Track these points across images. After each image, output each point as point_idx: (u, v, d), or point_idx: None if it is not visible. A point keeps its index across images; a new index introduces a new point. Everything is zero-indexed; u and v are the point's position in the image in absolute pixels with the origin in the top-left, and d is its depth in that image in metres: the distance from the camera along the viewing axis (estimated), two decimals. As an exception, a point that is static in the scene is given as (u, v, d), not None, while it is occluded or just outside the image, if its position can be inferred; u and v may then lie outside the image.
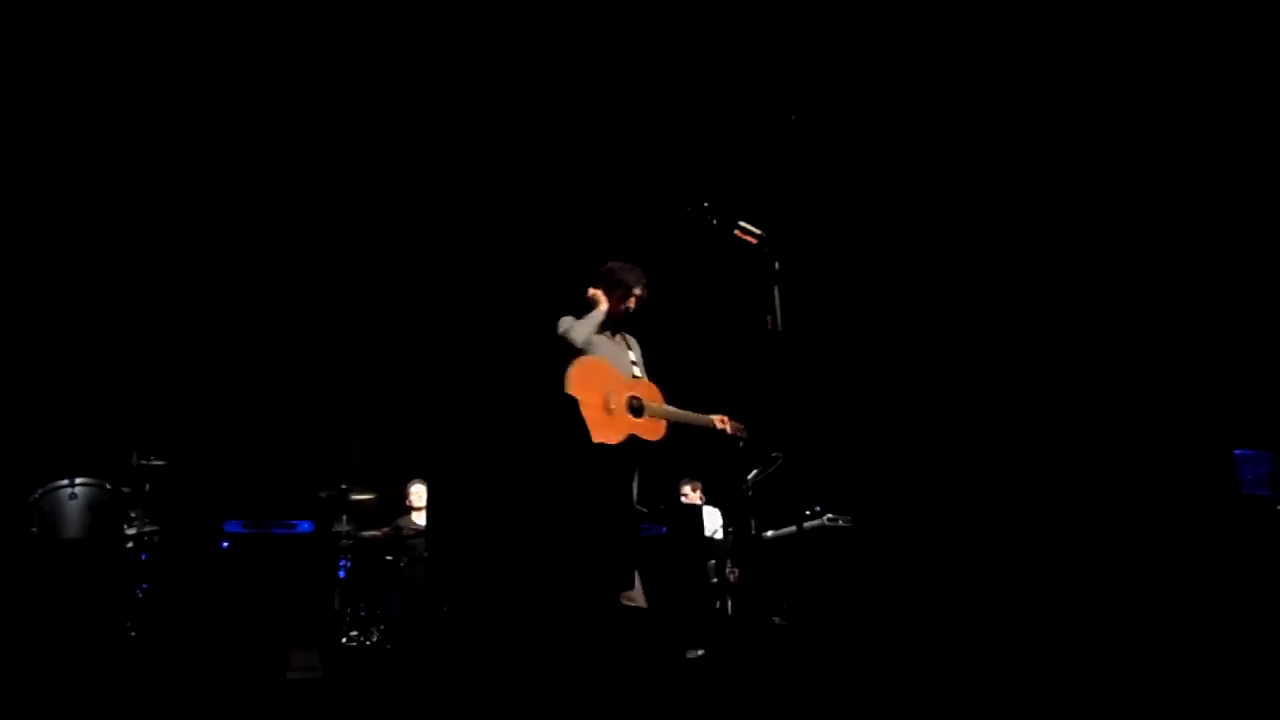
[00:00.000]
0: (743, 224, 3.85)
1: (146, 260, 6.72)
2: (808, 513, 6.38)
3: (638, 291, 4.54)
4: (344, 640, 5.69)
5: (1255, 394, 6.39)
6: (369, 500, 6.47)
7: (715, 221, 3.93)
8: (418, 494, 6.77)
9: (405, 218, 7.23)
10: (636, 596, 4.12)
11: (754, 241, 3.83)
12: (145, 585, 5.19)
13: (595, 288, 4.52)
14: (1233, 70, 6.41)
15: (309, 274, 7.14)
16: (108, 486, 5.22)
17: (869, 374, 7.31)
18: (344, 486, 6.21)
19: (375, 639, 5.78)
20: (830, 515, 6.59)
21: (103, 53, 6.21)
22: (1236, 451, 5.95)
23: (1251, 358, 6.51)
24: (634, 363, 4.60)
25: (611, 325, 4.54)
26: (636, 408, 4.38)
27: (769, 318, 3.69)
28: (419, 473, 6.80)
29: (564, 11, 6.65)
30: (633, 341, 4.71)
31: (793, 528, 6.29)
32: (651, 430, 4.41)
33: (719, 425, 4.65)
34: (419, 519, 6.71)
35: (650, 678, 2.83)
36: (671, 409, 4.54)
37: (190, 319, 6.86)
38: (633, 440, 4.33)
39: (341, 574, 6.04)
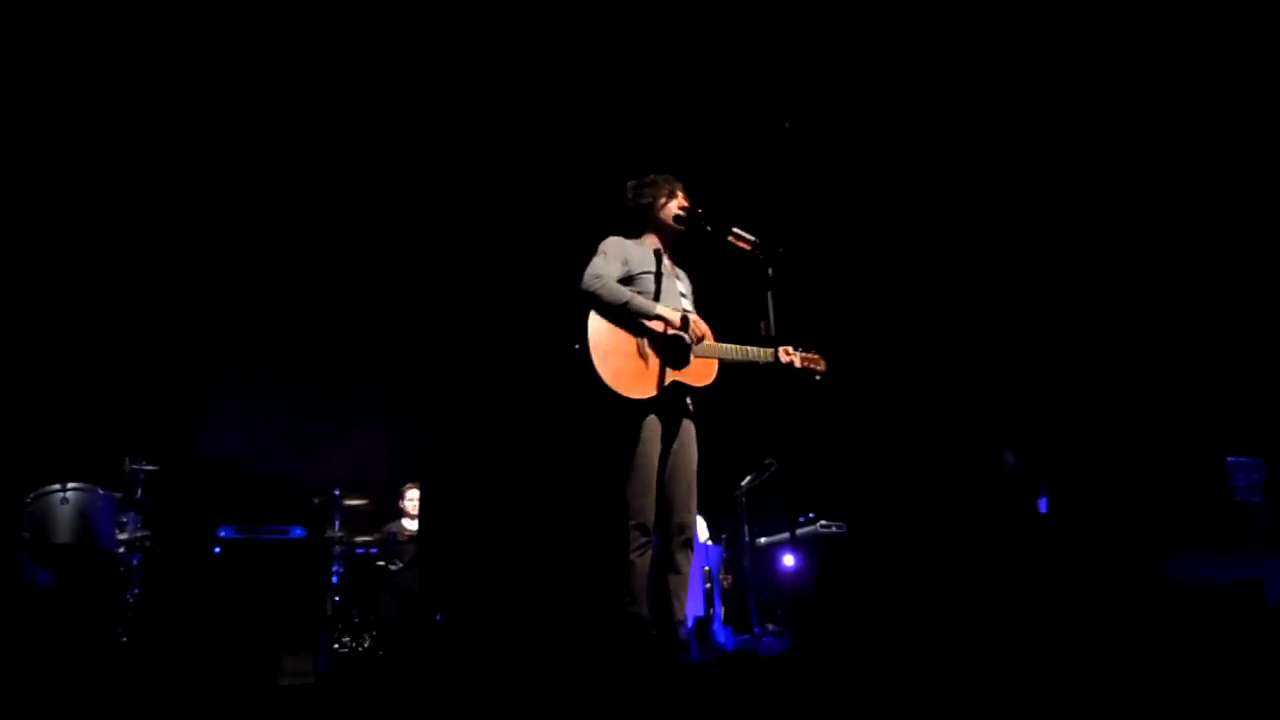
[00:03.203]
0: (737, 230, 3.84)
1: (140, 264, 6.71)
2: (801, 519, 6.38)
3: (677, 192, 4.05)
4: (336, 646, 5.68)
5: (1248, 402, 6.42)
6: (362, 505, 6.45)
7: (710, 227, 3.92)
8: (411, 499, 6.74)
9: (401, 222, 7.22)
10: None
11: (748, 248, 3.82)
12: (136, 590, 5.17)
13: (627, 214, 4.05)
14: (1223, 82, 6.44)
15: (302, 277, 7.12)
16: (100, 491, 5.20)
17: (863, 380, 7.31)
18: (337, 492, 6.20)
19: (367, 644, 5.76)
20: (824, 522, 6.60)
21: (91, 54, 6.21)
22: (1229, 459, 5.98)
23: (1244, 366, 6.53)
24: (683, 294, 4.05)
25: (661, 245, 4.04)
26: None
27: (763, 324, 3.68)
28: (412, 477, 6.78)
29: (561, 15, 6.66)
30: (683, 274, 4.15)
31: (786, 534, 6.32)
32: (698, 374, 3.84)
33: (784, 359, 3.95)
34: (411, 524, 6.68)
35: (645, 682, 2.82)
36: (721, 345, 3.94)
37: (184, 323, 6.84)
38: (675, 389, 3.79)
39: (334, 579, 6.03)
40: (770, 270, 3.70)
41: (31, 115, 6.23)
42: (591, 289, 3.75)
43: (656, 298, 3.89)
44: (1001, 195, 7.20)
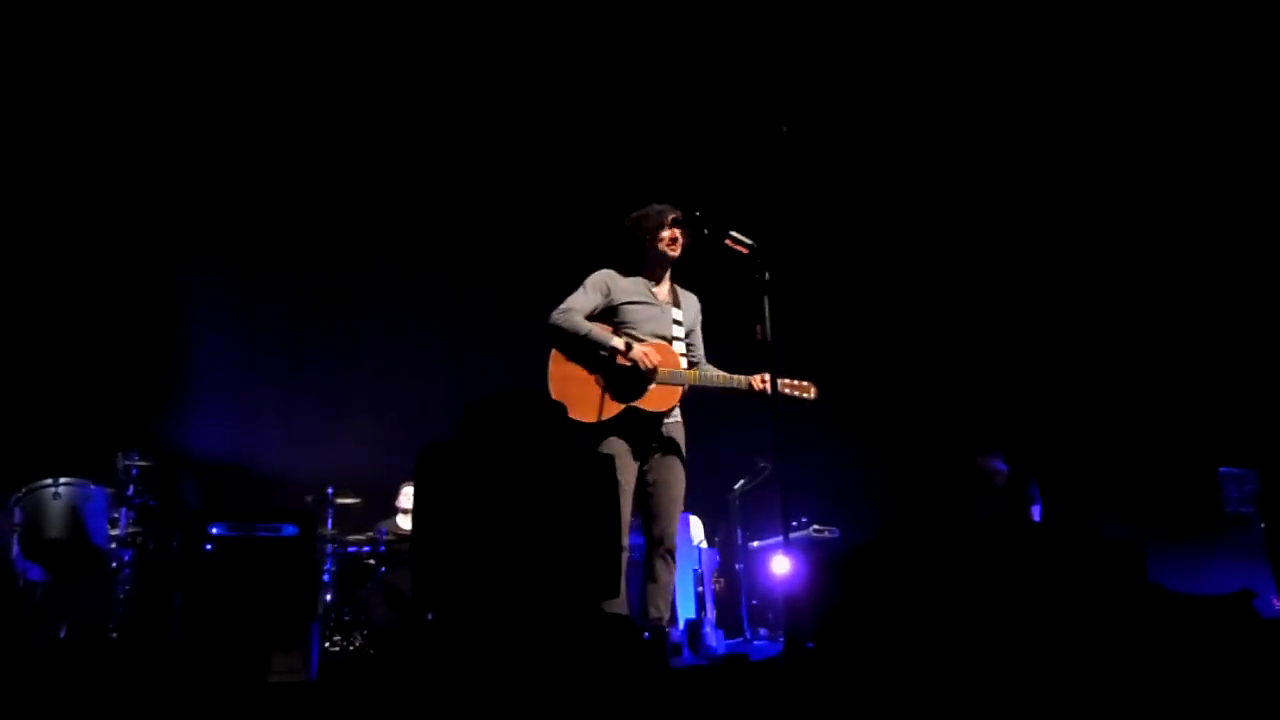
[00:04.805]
0: (734, 234, 3.85)
1: (135, 259, 6.70)
2: (794, 524, 6.39)
3: (664, 224, 4.13)
4: (327, 644, 5.66)
5: (1240, 414, 6.43)
6: (355, 504, 6.44)
7: (706, 231, 3.94)
8: (407, 496, 6.71)
9: (396, 221, 7.22)
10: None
11: (745, 251, 3.83)
12: (128, 586, 5.16)
13: (625, 246, 4.17)
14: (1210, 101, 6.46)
15: (300, 274, 7.12)
16: (92, 486, 5.19)
17: (858, 384, 7.32)
18: (330, 490, 6.20)
19: (358, 643, 5.75)
20: (816, 526, 6.60)
21: (75, 54, 6.20)
22: (1221, 469, 6.00)
23: (1237, 378, 6.55)
24: (677, 322, 4.19)
25: (654, 276, 4.18)
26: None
27: (759, 328, 3.68)
28: (408, 476, 6.76)
29: (558, 20, 6.67)
30: (686, 298, 4.30)
31: (779, 538, 6.32)
32: (656, 401, 3.97)
33: (757, 386, 4.10)
34: (405, 522, 6.66)
35: (636, 684, 2.82)
36: (687, 373, 4.08)
37: (178, 319, 6.83)
38: (629, 415, 3.92)
39: (326, 577, 6.02)
40: (767, 274, 3.72)
41: (24, 111, 6.22)
42: (555, 322, 4.00)
43: (634, 327, 4.05)
44: (998, 204, 7.21)
